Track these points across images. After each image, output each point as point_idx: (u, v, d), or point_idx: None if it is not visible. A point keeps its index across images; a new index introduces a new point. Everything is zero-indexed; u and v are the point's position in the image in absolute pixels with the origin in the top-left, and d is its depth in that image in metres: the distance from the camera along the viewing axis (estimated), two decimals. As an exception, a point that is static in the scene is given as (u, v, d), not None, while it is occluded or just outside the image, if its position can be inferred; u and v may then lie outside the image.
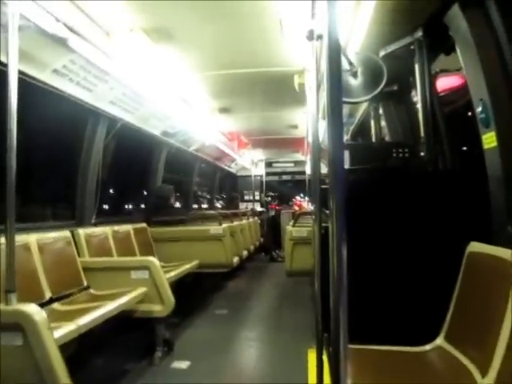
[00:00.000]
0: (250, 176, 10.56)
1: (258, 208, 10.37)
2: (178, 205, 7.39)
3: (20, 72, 2.06)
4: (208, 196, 10.17)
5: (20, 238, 2.71)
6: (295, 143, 8.36)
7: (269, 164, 11.01)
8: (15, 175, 1.95)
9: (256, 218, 8.89)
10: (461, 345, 1.76)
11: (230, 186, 11.15)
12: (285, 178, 11.31)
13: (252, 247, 7.31)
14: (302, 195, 9.87)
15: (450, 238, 2.01)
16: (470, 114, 2.20)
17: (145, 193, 6.44)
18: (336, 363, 0.93)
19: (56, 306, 2.97)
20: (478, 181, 2.07)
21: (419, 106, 2.57)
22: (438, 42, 2.45)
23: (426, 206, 2.10)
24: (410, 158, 2.41)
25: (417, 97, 2.91)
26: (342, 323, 0.90)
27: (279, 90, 4.81)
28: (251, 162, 10.11)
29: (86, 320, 2.46)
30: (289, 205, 11.05)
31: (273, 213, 10.32)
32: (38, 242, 3.02)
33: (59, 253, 3.26)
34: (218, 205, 10.13)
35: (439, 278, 1.98)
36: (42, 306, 2.18)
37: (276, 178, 11.29)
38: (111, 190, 6.10)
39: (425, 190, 2.15)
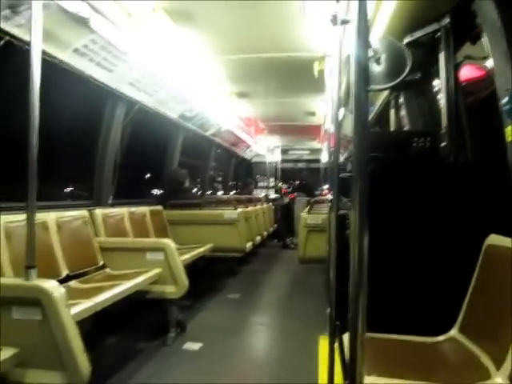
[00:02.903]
0: (265, 162, 10.54)
1: (272, 195, 10.37)
2: (195, 190, 7.41)
3: (41, 51, 2.06)
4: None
5: (39, 216, 2.75)
6: (311, 131, 8.32)
7: (284, 151, 10.98)
8: (37, 154, 1.97)
9: (270, 204, 8.90)
10: (475, 337, 1.75)
11: (244, 172, 11.15)
12: (300, 165, 11.27)
13: (265, 233, 7.34)
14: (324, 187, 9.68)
15: (469, 230, 1.98)
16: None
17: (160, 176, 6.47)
18: (353, 350, 0.93)
19: (72, 283, 3.03)
20: (500, 173, 2.03)
21: (442, 95, 2.52)
22: (465, 30, 2.39)
23: (446, 197, 2.08)
24: (431, 149, 2.37)
25: (439, 86, 2.86)
26: (361, 311, 0.90)
27: (298, 76, 4.77)
28: (267, 149, 10.08)
29: (101, 298, 2.51)
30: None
31: (287, 199, 10.30)
32: (56, 220, 3.07)
33: (76, 231, 3.31)
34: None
35: (456, 269, 1.96)
36: (59, 283, 2.22)
37: (291, 165, 11.26)
38: (127, 173, 6.13)
39: (445, 181, 2.12)
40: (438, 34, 2.45)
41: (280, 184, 10.84)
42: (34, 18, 1.97)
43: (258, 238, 6.49)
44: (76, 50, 3.05)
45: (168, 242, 3.46)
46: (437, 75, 2.92)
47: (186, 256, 4.01)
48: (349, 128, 0.95)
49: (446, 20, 2.36)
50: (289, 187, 11.00)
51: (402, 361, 1.78)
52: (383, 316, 1.84)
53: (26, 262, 1.97)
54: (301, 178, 11.95)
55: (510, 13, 1.89)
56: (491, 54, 2.04)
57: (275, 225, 8.88)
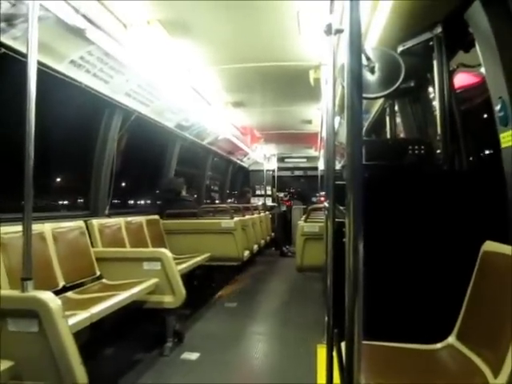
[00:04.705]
0: (262, 171, 10.56)
1: (269, 203, 10.37)
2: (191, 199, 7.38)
3: (38, 62, 2.08)
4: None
5: (35, 227, 2.74)
6: (308, 139, 8.34)
7: (281, 159, 11.01)
8: (33, 165, 1.98)
9: (267, 212, 8.90)
10: (473, 344, 1.74)
11: (242, 181, 11.16)
12: (297, 173, 11.30)
13: (263, 242, 7.33)
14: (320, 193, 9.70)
15: (465, 237, 1.99)
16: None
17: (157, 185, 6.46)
18: (350, 358, 0.93)
19: (69, 294, 3.02)
20: (495, 180, 2.04)
21: (436, 103, 2.54)
22: (457, 39, 2.42)
23: (442, 205, 2.09)
24: (426, 156, 2.39)
25: (433, 94, 2.89)
26: (357, 319, 0.90)
27: (294, 84, 4.80)
28: (263, 157, 10.11)
29: (98, 309, 2.50)
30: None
31: (284, 208, 10.31)
32: (52, 231, 3.06)
33: (73, 242, 3.30)
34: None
35: (453, 276, 1.96)
36: (55, 294, 2.21)
37: (288, 173, 11.28)
38: (123, 183, 6.12)
39: (440, 189, 2.13)
40: (431, 42, 2.48)
41: (277, 192, 10.85)
42: (29, 30, 1.98)
43: (256, 247, 6.48)
44: (72, 62, 3.07)
45: (165, 252, 3.45)
46: (431, 83, 2.95)
47: (183, 265, 4.00)
48: (344, 136, 0.95)
49: (439, 29, 2.39)
50: (286, 195, 11.01)
51: (400, 369, 1.77)
52: (380, 324, 1.83)
53: (23, 274, 1.96)
54: (298, 186, 11.97)
55: (501, 22, 1.92)
56: (483, 63, 2.07)
57: (272, 233, 8.87)
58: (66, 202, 5.00)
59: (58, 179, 5.11)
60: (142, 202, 7.17)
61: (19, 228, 2.07)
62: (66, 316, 2.02)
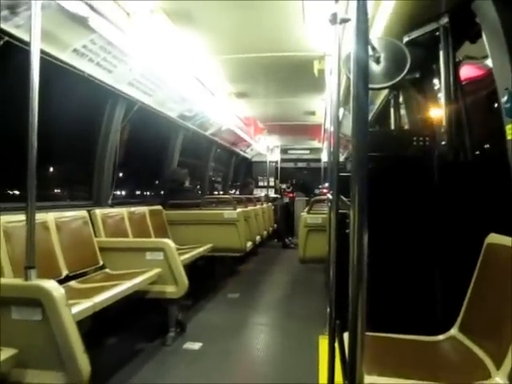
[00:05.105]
0: (265, 162, 10.53)
1: (272, 194, 10.36)
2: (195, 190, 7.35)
3: (41, 51, 2.06)
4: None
5: (39, 216, 2.74)
6: (311, 130, 8.30)
7: (284, 150, 10.98)
8: (36, 154, 1.97)
9: (270, 203, 8.89)
10: (475, 336, 1.75)
11: (244, 172, 11.15)
12: (300, 165, 11.27)
13: (265, 233, 7.33)
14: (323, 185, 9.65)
15: (469, 229, 1.99)
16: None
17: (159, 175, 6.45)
18: (352, 349, 0.93)
19: (72, 283, 3.03)
20: (500, 172, 2.03)
21: (442, 94, 2.52)
22: (464, 30, 2.39)
23: (446, 196, 2.08)
24: (431, 148, 2.38)
25: (439, 85, 2.87)
26: (361, 310, 0.90)
27: (297, 75, 4.76)
28: (267, 148, 10.08)
29: (101, 298, 2.50)
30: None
31: (287, 199, 10.30)
32: (55, 220, 3.06)
33: (76, 232, 3.30)
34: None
35: (456, 268, 1.96)
36: (58, 283, 2.22)
37: (291, 164, 11.26)
38: (125, 173, 6.08)
39: (445, 180, 2.12)
40: (437, 33, 2.45)
41: (279, 184, 10.84)
42: (33, 18, 1.96)
43: (258, 238, 6.48)
44: (75, 50, 3.04)
45: (168, 242, 3.46)
46: (436, 74, 2.92)
47: (186, 256, 4.00)
48: (348, 127, 0.94)
49: (445, 19, 2.36)
50: (288, 187, 10.99)
51: (402, 360, 1.78)
52: (383, 315, 1.84)
53: (26, 263, 1.96)
54: (301, 178, 11.94)
55: (508, 12, 1.89)
56: (490, 54, 2.05)
57: (275, 224, 8.87)
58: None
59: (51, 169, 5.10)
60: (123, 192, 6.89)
61: (23, 217, 2.07)
62: (69, 305, 2.03)
